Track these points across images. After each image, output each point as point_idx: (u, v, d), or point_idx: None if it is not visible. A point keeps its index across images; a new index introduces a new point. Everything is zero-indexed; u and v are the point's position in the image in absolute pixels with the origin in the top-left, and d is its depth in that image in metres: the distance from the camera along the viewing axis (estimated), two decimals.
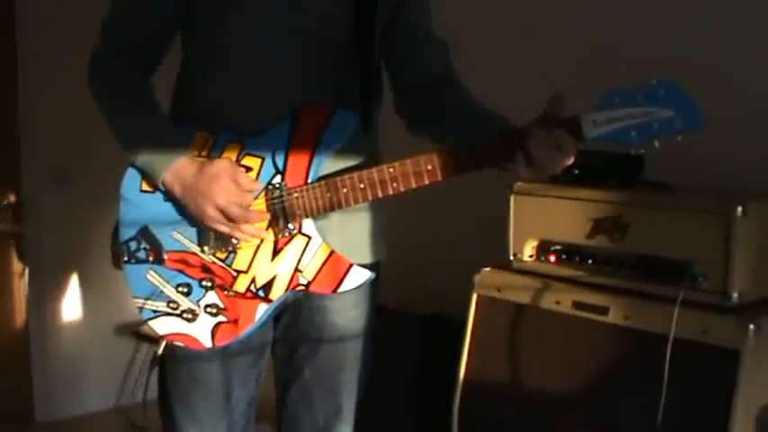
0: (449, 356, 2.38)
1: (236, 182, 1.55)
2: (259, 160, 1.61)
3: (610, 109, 1.44)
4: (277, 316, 1.75)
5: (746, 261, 1.88)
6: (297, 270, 1.61)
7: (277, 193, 1.60)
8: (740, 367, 1.80)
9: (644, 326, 1.97)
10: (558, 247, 2.21)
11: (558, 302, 2.15)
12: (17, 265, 3.94)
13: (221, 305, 1.61)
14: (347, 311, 1.76)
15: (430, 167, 1.54)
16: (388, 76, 1.80)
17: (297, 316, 1.76)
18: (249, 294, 1.61)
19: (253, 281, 1.61)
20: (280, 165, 1.60)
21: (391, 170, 1.55)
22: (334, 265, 1.61)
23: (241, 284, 1.61)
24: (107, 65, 1.69)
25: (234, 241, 1.60)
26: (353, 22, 1.68)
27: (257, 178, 1.60)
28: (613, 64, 2.47)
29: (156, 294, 1.62)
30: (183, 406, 1.75)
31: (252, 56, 1.65)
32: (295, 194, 1.59)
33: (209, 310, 1.61)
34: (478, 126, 1.59)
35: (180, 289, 1.62)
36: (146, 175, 1.62)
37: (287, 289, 1.61)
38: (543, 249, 2.24)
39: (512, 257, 2.30)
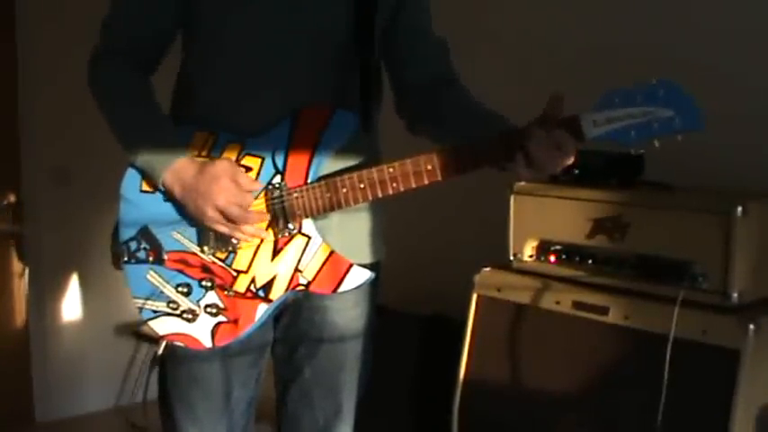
0: (449, 356, 2.38)
1: (236, 182, 1.55)
2: (259, 160, 1.61)
3: (610, 109, 1.44)
4: (277, 316, 1.75)
5: (746, 261, 1.88)
6: (297, 270, 1.61)
7: (277, 192, 1.60)
8: (740, 367, 1.80)
9: (644, 326, 1.97)
10: (558, 247, 2.21)
11: (558, 302, 2.15)
12: (17, 265, 3.94)
13: (221, 305, 1.61)
14: (347, 311, 1.76)
15: (430, 167, 1.54)
16: (388, 76, 1.80)
17: (297, 316, 1.76)
18: (249, 294, 1.61)
19: (253, 281, 1.61)
20: (279, 165, 1.60)
21: (391, 170, 1.55)
22: (334, 265, 1.61)
23: (241, 284, 1.61)
24: (107, 65, 1.69)
25: (234, 241, 1.60)
26: (353, 22, 1.68)
27: (257, 178, 1.60)
28: (613, 64, 2.47)
29: (156, 294, 1.62)
30: (183, 406, 1.75)
31: (252, 56, 1.65)
32: (295, 194, 1.59)
33: (209, 310, 1.61)
34: (478, 126, 1.59)
35: (180, 289, 1.62)
36: (146, 176, 1.62)
37: (287, 289, 1.61)
38: (543, 249, 2.24)
39: (512, 257, 2.29)
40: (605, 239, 2.10)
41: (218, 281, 1.61)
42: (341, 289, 1.62)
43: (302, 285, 1.62)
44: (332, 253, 1.61)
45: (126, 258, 1.64)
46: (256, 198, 1.59)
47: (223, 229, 1.57)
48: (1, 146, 3.83)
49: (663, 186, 2.13)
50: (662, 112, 1.41)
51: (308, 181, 1.59)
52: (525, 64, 2.83)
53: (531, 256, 2.27)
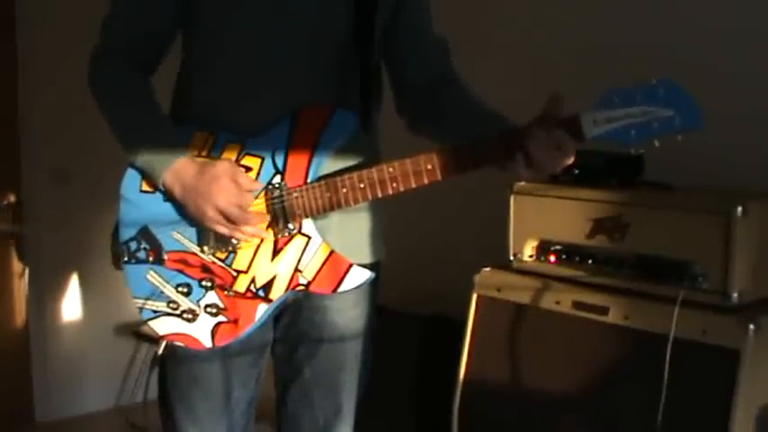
0: (449, 356, 2.38)
1: (236, 183, 1.55)
2: (259, 160, 1.61)
3: (609, 108, 1.44)
4: (277, 316, 1.75)
5: (746, 261, 1.88)
6: (297, 270, 1.61)
7: (277, 192, 1.60)
8: (740, 367, 1.80)
9: (644, 326, 1.97)
10: (558, 247, 2.21)
11: (558, 302, 2.15)
12: (17, 265, 3.94)
13: (221, 305, 1.61)
14: (347, 311, 1.76)
15: (429, 167, 1.54)
16: (388, 76, 1.80)
17: (297, 316, 1.76)
18: (249, 294, 1.61)
19: (253, 281, 1.61)
20: (279, 165, 1.60)
21: (391, 170, 1.55)
22: (334, 265, 1.61)
23: (241, 284, 1.61)
24: (107, 65, 1.69)
25: (234, 241, 1.60)
26: (353, 22, 1.68)
27: (257, 178, 1.60)
28: (613, 64, 2.47)
29: (156, 294, 1.62)
30: (184, 406, 1.75)
31: (252, 56, 1.65)
32: (295, 194, 1.59)
33: (209, 310, 1.61)
34: (478, 125, 1.59)
35: (180, 289, 1.62)
36: (146, 176, 1.62)
37: (287, 289, 1.61)
38: (543, 249, 2.24)
39: (512, 257, 2.29)
40: (605, 239, 2.10)
41: (218, 281, 1.61)
42: (341, 289, 1.62)
43: (302, 285, 1.62)
44: (332, 253, 1.61)
45: (126, 258, 1.64)
46: (256, 198, 1.59)
47: (223, 229, 1.57)
48: (1, 146, 3.83)
49: (663, 186, 2.13)
50: (662, 112, 1.41)
51: (308, 181, 1.59)
52: (525, 64, 2.83)
53: (531, 256, 2.27)
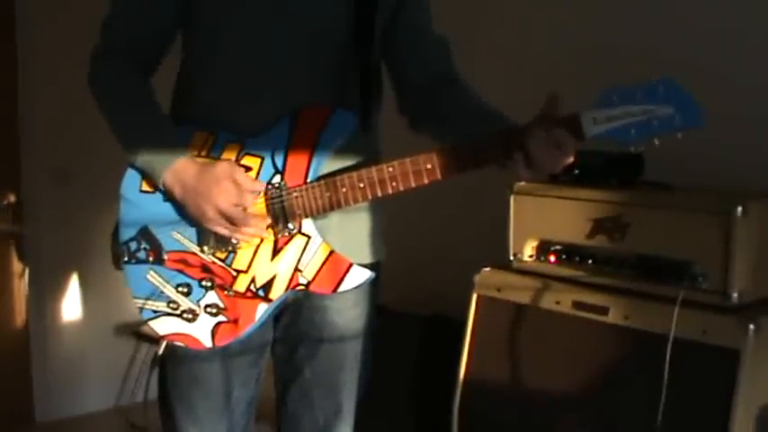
0: (449, 356, 2.38)
1: (236, 184, 1.55)
2: (258, 160, 1.61)
3: (609, 107, 1.44)
4: (277, 316, 1.75)
5: (746, 261, 1.88)
6: (297, 270, 1.61)
7: (276, 192, 1.60)
8: (740, 367, 1.80)
9: (644, 326, 1.97)
10: (558, 247, 2.21)
11: (558, 302, 2.15)
12: (17, 265, 3.95)
13: (221, 305, 1.61)
14: (347, 311, 1.76)
15: (429, 166, 1.54)
16: (389, 76, 1.80)
17: (297, 316, 1.76)
18: (249, 294, 1.61)
19: (253, 280, 1.61)
20: (279, 164, 1.60)
21: (390, 169, 1.55)
22: (334, 265, 1.61)
23: (241, 284, 1.61)
24: (107, 65, 1.69)
25: (234, 241, 1.60)
26: (353, 22, 1.68)
27: (257, 178, 1.60)
28: (613, 64, 2.47)
29: (157, 294, 1.62)
30: (184, 406, 1.75)
31: (252, 56, 1.65)
32: (294, 194, 1.59)
33: (209, 309, 1.61)
34: (479, 124, 1.59)
35: (180, 289, 1.62)
36: (146, 176, 1.62)
37: (287, 288, 1.61)
38: (543, 249, 2.24)
39: (512, 257, 2.29)
40: (605, 239, 2.09)
41: (218, 281, 1.61)
42: (341, 288, 1.62)
43: (302, 285, 1.62)
44: (332, 252, 1.61)
45: (126, 258, 1.64)
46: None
47: (223, 231, 1.57)
48: (1, 146, 3.83)
49: (663, 186, 2.13)
50: (662, 110, 1.41)
51: (308, 180, 1.59)
52: (525, 64, 2.83)
53: (531, 256, 2.27)
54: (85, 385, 4.07)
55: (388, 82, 1.80)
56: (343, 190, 1.57)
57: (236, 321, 1.61)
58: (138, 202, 1.63)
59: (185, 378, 1.74)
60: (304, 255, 1.61)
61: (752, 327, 1.81)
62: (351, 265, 1.61)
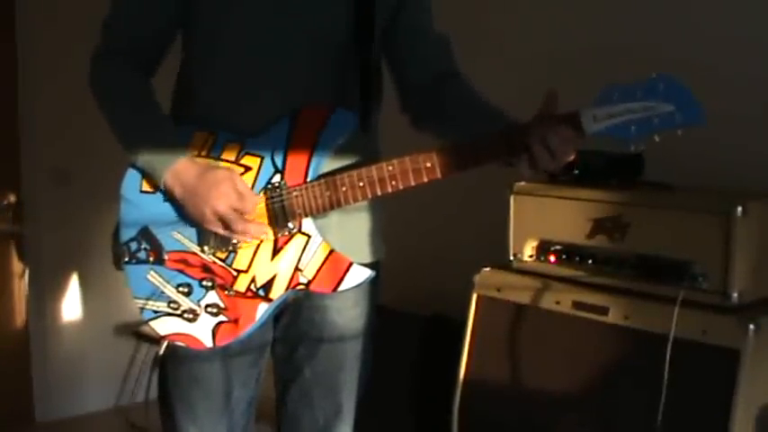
0: (449, 356, 2.38)
1: (236, 189, 1.55)
2: (258, 159, 1.61)
3: (609, 104, 1.43)
4: (277, 316, 1.75)
5: (746, 261, 1.88)
6: (297, 269, 1.61)
7: (276, 192, 1.60)
8: (740, 367, 1.80)
9: (644, 326, 1.97)
10: (558, 247, 2.20)
11: (558, 302, 2.15)
12: (17, 265, 3.95)
13: (222, 305, 1.61)
14: (347, 311, 1.77)
15: (429, 165, 1.54)
16: (390, 75, 1.80)
17: (297, 315, 1.76)
18: (249, 294, 1.61)
19: (253, 280, 1.61)
20: (279, 164, 1.60)
21: (390, 168, 1.55)
22: (334, 264, 1.61)
23: (241, 284, 1.61)
24: (107, 65, 1.69)
25: (234, 241, 1.60)
26: (353, 22, 1.68)
27: (257, 177, 1.60)
28: (614, 63, 2.47)
29: (157, 295, 1.62)
30: (184, 406, 1.75)
31: (251, 56, 1.65)
32: (294, 193, 1.59)
33: (209, 309, 1.61)
34: (479, 120, 1.60)
35: (180, 289, 1.62)
36: (146, 176, 1.62)
37: (287, 288, 1.62)
38: (543, 249, 2.24)
39: (512, 257, 2.29)
40: (605, 239, 2.09)
41: (218, 280, 1.61)
42: (341, 288, 1.62)
43: (302, 284, 1.62)
44: (332, 252, 1.61)
45: (127, 259, 1.64)
46: (259, 197, 1.60)
47: (222, 232, 1.58)
48: (1, 146, 3.83)
49: (663, 186, 2.12)
50: (662, 107, 1.40)
51: (308, 180, 1.59)
52: (526, 64, 2.83)
53: (531, 256, 2.27)
54: (85, 385, 4.07)
55: (390, 81, 1.80)
56: (343, 189, 1.57)
57: (236, 321, 1.61)
58: (138, 202, 1.63)
59: (186, 378, 1.74)
60: (304, 254, 1.61)
61: (752, 327, 1.81)
62: (351, 265, 1.61)
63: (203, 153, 1.62)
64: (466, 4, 2.91)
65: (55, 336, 3.99)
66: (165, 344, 1.68)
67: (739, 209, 1.85)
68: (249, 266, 1.61)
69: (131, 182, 1.64)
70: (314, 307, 1.75)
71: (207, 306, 1.61)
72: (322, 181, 1.58)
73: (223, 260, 1.62)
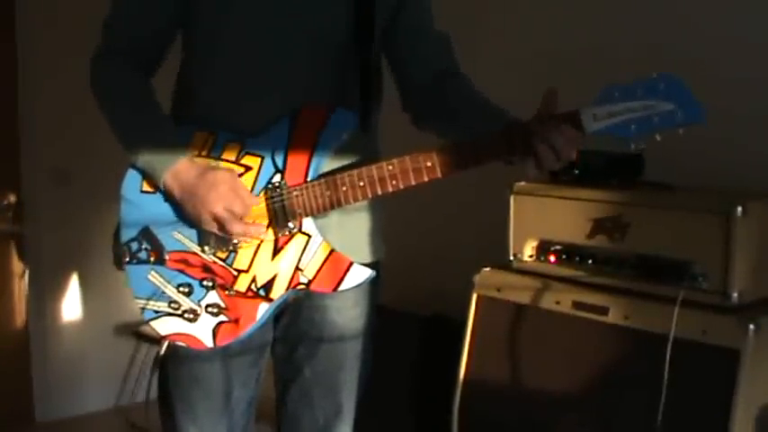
0: (449, 356, 2.38)
1: (235, 192, 1.55)
2: (259, 159, 1.61)
3: (610, 103, 1.43)
4: (277, 316, 1.75)
5: (746, 261, 1.88)
6: (297, 269, 1.61)
7: (277, 191, 1.60)
8: (740, 367, 1.80)
9: (644, 326, 1.97)
10: (558, 247, 2.21)
11: (558, 302, 2.15)
12: (17, 265, 3.94)
13: (222, 305, 1.61)
14: (347, 311, 1.77)
15: (429, 164, 1.54)
16: (391, 75, 1.80)
17: (297, 315, 1.76)
18: (250, 294, 1.61)
19: (253, 280, 1.61)
20: (279, 164, 1.60)
21: (390, 167, 1.55)
22: (335, 264, 1.61)
23: (242, 284, 1.61)
24: (108, 65, 1.69)
25: (234, 241, 1.60)
26: (353, 22, 1.68)
27: (257, 177, 1.60)
28: (614, 63, 2.47)
29: (158, 295, 1.62)
30: (184, 406, 1.75)
31: (251, 56, 1.65)
32: (295, 193, 1.59)
33: (210, 309, 1.61)
34: (480, 117, 1.60)
35: (181, 289, 1.62)
36: (147, 176, 1.62)
37: (288, 288, 1.62)
38: (543, 249, 2.24)
39: (512, 257, 2.29)
40: (605, 239, 2.10)
41: (219, 280, 1.61)
42: (341, 287, 1.62)
43: (303, 284, 1.62)
44: (332, 251, 1.61)
45: (127, 259, 1.64)
46: (257, 199, 1.60)
47: (221, 233, 1.58)
48: (1, 146, 3.83)
49: (663, 186, 2.12)
50: (663, 106, 1.40)
51: (308, 179, 1.59)
52: (526, 64, 2.83)
53: (531, 256, 2.27)
54: (85, 385, 4.06)
55: (390, 81, 1.80)
56: (344, 188, 1.57)
57: (237, 321, 1.61)
58: (138, 202, 1.63)
59: (186, 378, 1.74)
60: (304, 254, 1.61)
61: (752, 327, 1.81)
62: (351, 264, 1.61)
63: (203, 153, 1.62)
64: (466, 4, 2.91)
65: (55, 336, 3.99)
66: (165, 344, 1.68)
67: (739, 209, 1.85)
68: (250, 266, 1.61)
69: (132, 182, 1.64)
70: (314, 307, 1.75)
71: (207, 306, 1.61)
72: (322, 181, 1.58)
73: (223, 260, 1.62)
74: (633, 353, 2.00)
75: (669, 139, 1.43)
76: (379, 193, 1.57)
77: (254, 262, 1.61)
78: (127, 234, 1.64)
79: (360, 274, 1.62)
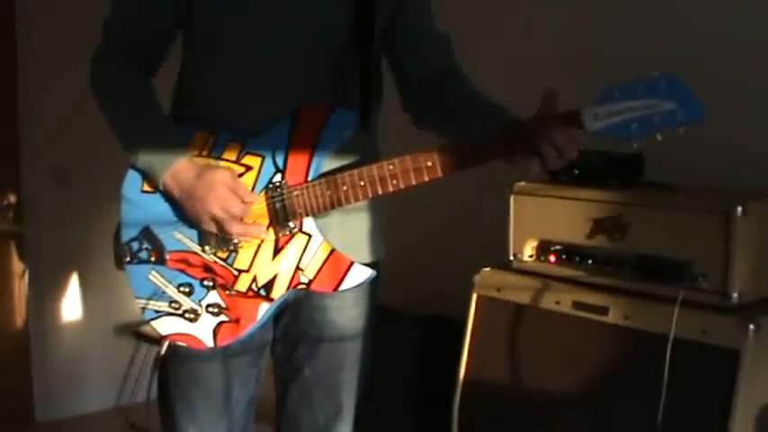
0: (449, 356, 2.38)
1: (234, 192, 1.55)
2: (259, 159, 1.61)
3: (611, 102, 1.43)
4: (277, 316, 1.75)
5: (746, 261, 1.88)
6: (298, 268, 1.61)
7: (277, 191, 1.60)
8: (740, 367, 1.80)
9: (644, 326, 1.97)
10: (558, 247, 2.21)
11: (558, 302, 2.15)
12: (17, 265, 3.95)
13: (223, 305, 1.61)
14: (347, 311, 1.77)
15: (430, 164, 1.54)
16: (391, 75, 1.80)
17: (297, 315, 1.76)
18: (251, 293, 1.61)
19: (254, 280, 1.61)
20: (280, 163, 1.60)
21: (391, 167, 1.55)
22: (335, 264, 1.61)
23: (242, 283, 1.61)
24: (108, 65, 1.69)
25: (235, 241, 1.60)
26: (353, 22, 1.68)
27: (258, 177, 1.60)
28: (614, 64, 2.47)
29: (159, 294, 1.62)
30: (184, 406, 1.75)
31: (251, 56, 1.65)
32: (295, 192, 1.59)
33: (210, 309, 1.61)
34: (481, 119, 1.60)
35: (182, 289, 1.62)
36: (146, 176, 1.62)
37: (288, 287, 1.62)
38: (543, 249, 2.24)
39: (512, 257, 2.29)
40: (605, 239, 2.10)
41: (219, 280, 1.61)
42: (342, 287, 1.62)
43: (303, 284, 1.62)
44: (333, 251, 1.61)
45: (128, 259, 1.64)
46: (257, 199, 1.60)
47: (221, 234, 1.58)
48: (1, 146, 3.83)
49: (663, 186, 2.12)
50: (664, 105, 1.40)
51: (309, 179, 1.59)
52: (526, 64, 2.83)
53: (531, 256, 2.27)
54: (85, 385, 4.07)
55: (390, 81, 1.80)
56: (344, 188, 1.57)
57: (237, 321, 1.61)
58: (139, 202, 1.63)
59: (186, 378, 1.74)
60: (305, 253, 1.61)
61: (752, 327, 1.81)
62: (352, 264, 1.61)
63: (204, 153, 1.62)
64: (466, 4, 2.91)
65: (55, 336, 3.99)
66: (166, 343, 1.68)
67: (739, 209, 1.85)
68: (250, 266, 1.61)
69: (132, 182, 1.64)
70: (314, 307, 1.75)
71: (208, 306, 1.61)
72: (323, 180, 1.58)
73: (224, 260, 1.62)
74: (633, 353, 2.00)
75: (669, 139, 1.43)
76: (380, 192, 1.57)
77: (255, 262, 1.61)
78: (127, 234, 1.64)
79: (360, 274, 1.62)
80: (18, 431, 3.85)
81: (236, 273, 1.61)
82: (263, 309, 1.61)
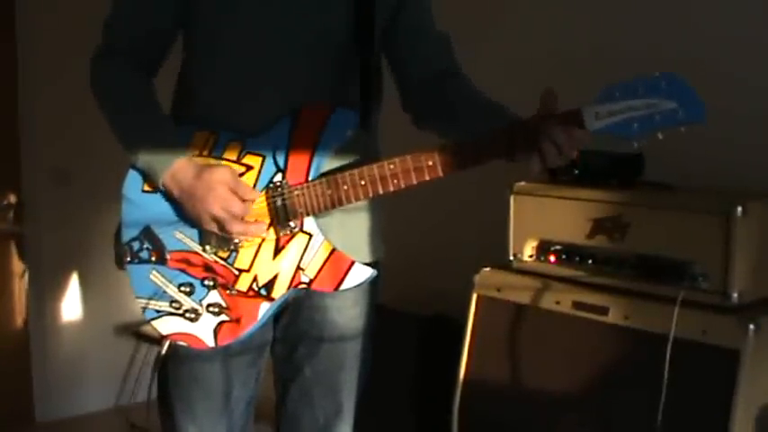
0: (449, 356, 2.38)
1: (233, 192, 1.55)
2: (260, 159, 1.61)
3: (611, 102, 1.43)
4: (277, 315, 1.75)
5: (746, 261, 1.89)
6: (299, 268, 1.61)
7: (278, 191, 1.60)
8: (740, 367, 1.80)
9: (644, 326, 1.97)
10: (558, 247, 2.21)
11: (558, 302, 2.15)
12: (17, 265, 3.95)
13: (224, 304, 1.61)
14: (347, 310, 1.77)
15: (431, 163, 1.54)
16: (391, 74, 1.80)
17: (297, 315, 1.76)
18: (251, 293, 1.61)
19: (255, 279, 1.61)
20: (281, 163, 1.60)
21: (392, 166, 1.55)
22: (336, 263, 1.61)
23: (243, 283, 1.61)
24: (108, 65, 1.69)
25: (236, 240, 1.60)
26: (353, 22, 1.68)
27: (258, 176, 1.60)
28: (614, 64, 2.47)
29: (159, 294, 1.62)
30: (184, 405, 1.75)
31: (251, 56, 1.65)
32: (296, 192, 1.59)
33: (211, 309, 1.61)
34: (481, 118, 1.60)
35: (182, 288, 1.62)
36: (146, 176, 1.62)
37: (289, 287, 1.62)
38: (543, 249, 2.24)
39: (512, 257, 2.30)
40: (605, 239, 2.10)
41: (220, 280, 1.62)
42: (342, 287, 1.62)
43: (304, 283, 1.62)
44: (333, 251, 1.61)
45: (129, 258, 1.64)
46: (258, 197, 1.60)
47: (221, 233, 1.58)
48: (1, 146, 3.83)
49: (663, 186, 2.13)
50: (665, 104, 1.40)
51: (309, 179, 1.59)
52: (526, 64, 2.83)
53: (531, 256, 2.27)
54: (85, 385, 4.06)
55: (390, 81, 1.80)
56: (345, 187, 1.57)
57: (238, 320, 1.61)
58: (140, 202, 1.63)
59: (186, 378, 1.74)
60: (306, 253, 1.61)
61: (752, 327, 1.81)
62: (353, 264, 1.61)
63: (204, 153, 1.62)
64: (466, 4, 2.91)
65: (55, 336, 3.99)
66: (167, 343, 1.68)
67: (739, 209, 1.85)
68: (251, 266, 1.61)
69: (133, 182, 1.64)
70: (314, 306, 1.75)
71: (209, 305, 1.61)
72: (323, 180, 1.58)
73: (225, 259, 1.62)
74: (633, 353, 2.00)
75: (669, 139, 1.43)
76: (381, 191, 1.57)
77: (256, 261, 1.61)
78: (128, 234, 1.64)
79: (361, 274, 1.62)
80: (18, 431, 3.85)
81: (236, 272, 1.61)
82: (264, 308, 1.62)
